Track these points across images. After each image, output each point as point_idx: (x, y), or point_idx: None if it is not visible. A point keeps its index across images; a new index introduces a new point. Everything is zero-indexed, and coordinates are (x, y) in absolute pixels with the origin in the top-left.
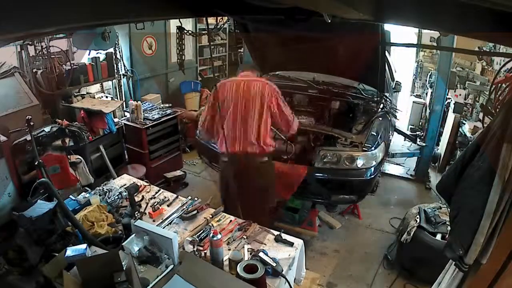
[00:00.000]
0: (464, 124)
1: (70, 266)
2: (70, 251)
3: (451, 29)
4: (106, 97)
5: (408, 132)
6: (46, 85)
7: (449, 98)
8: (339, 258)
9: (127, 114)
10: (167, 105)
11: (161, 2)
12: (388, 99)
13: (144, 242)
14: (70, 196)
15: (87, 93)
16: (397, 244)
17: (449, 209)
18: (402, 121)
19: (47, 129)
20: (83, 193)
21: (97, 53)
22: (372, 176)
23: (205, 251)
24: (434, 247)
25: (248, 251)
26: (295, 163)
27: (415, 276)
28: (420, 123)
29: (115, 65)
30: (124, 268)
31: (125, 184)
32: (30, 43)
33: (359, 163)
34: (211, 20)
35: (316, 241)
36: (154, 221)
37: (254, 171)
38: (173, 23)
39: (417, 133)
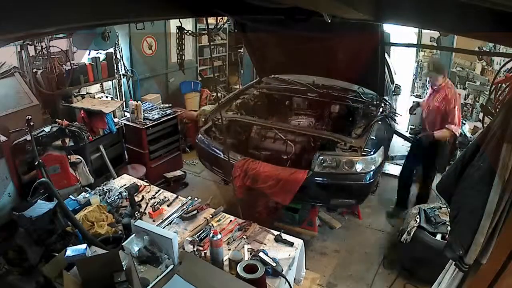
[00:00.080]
0: (464, 124)
1: (70, 266)
2: (70, 251)
3: (451, 29)
4: (106, 97)
5: (408, 134)
6: (46, 85)
7: None
8: (339, 258)
9: (127, 114)
10: (167, 105)
11: (161, 2)
12: (387, 103)
13: (144, 242)
14: (70, 196)
15: (87, 93)
16: (397, 244)
17: (449, 209)
18: (402, 121)
19: (47, 129)
20: (83, 193)
21: (97, 53)
22: (371, 181)
23: (205, 251)
24: (434, 247)
25: (248, 251)
26: (294, 167)
27: (415, 276)
28: (420, 123)
29: (115, 65)
30: (124, 268)
31: (125, 184)
32: (30, 43)
33: (358, 167)
34: (211, 20)
35: (316, 241)
36: (154, 221)
37: None
38: (173, 23)
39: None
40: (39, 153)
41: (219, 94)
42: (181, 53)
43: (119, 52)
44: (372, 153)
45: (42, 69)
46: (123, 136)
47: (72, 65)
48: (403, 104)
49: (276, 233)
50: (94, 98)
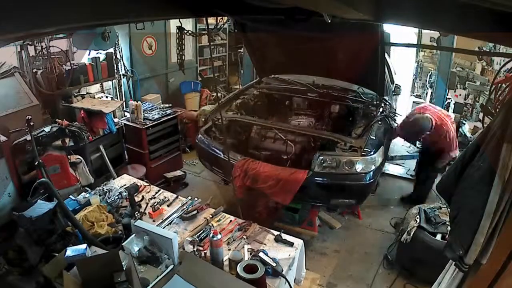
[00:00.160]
0: (464, 124)
1: (70, 266)
2: (70, 251)
3: (451, 29)
4: (106, 97)
5: None
6: (46, 85)
7: (449, 98)
8: (339, 258)
9: (127, 114)
10: (167, 105)
11: (161, 2)
12: (387, 103)
13: (144, 242)
14: (70, 196)
15: (87, 93)
16: (397, 244)
17: (449, 209)
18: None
19: (47, 129)
20: (83, 193)
21: (97, 53)
22: (372, 181)
23: (205, 251)
24: (434, 247)
25: (248, 251)
26: (294, 167)
27: (415, 276)
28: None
29: (115, 65)
30: (124, 268)
31: (125, 184)
32: (30, 43)
33: (358, 167)
34: (211, 20)
35: (316, 241)
36: (154, 221)
37: None
38: (173, 23)
39: None
40: (39, 153)
41: (219, 94)
42: (181, 53)
43: (119, 52)
44: (372, 153)
45: (42, 69)
46: (123, 136)
47: (72, 65)
48: (403, 104)
49: (276, 233)
50: (94, 98)
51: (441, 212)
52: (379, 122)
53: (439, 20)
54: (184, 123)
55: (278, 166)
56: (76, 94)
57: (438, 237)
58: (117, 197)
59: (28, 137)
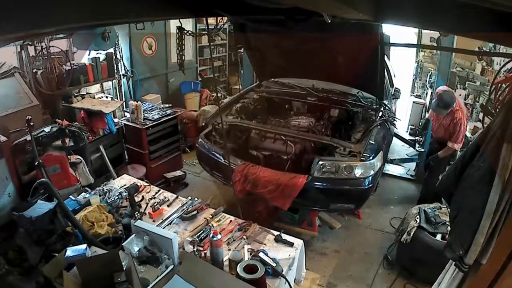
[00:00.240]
0: None
1: (70, 266)
2: (70, 251)
3: (451, 29)
4: (106, 97)
5: (407, 137)
6: (46, 85)
7: None
8: (339, 258)
9: (127, 114)
10: (167, 105)
11: (161, 2)
12: (387, 107)
13: (144, 242)
14: (70, 196)
15: (87, 93)
16: (397, 244)
17: (449, 209)
18: (403, 121)
19: (47, 129)
20: (83, 193)
21: (97, 53)
22: (370, 185)
23: (205, 251)
24: (434, 247)
25: (248, 251)
26: (294, 169)
27: (415, 276)
28: (420, 123)
29: (115, 65)
30: (124, 268)
31: (125, 185)
32: (30, 43)
33: (358, 172)
34: (211, 20)
35: (316, 242)
36: (154, 221)
37: None
38: (173, 23)
39: (416, 138)
40: (39, 153)
41: (219, 95)
42: (181, 53)
43: (119, 52)
44: (371, 158)
45: (42, 69)
46: (123, 136)
47: (72, 65)
48: (403, 105)
49: (276, 233)
50: (94, 98)
51: (441, 212)
52: (378, 127)
53: (439, 20)
54: (184, 123)
55: (277, 169)
56: (76, 94)
57: (438, 237)
58: (117, 197)
59: (28, 137)
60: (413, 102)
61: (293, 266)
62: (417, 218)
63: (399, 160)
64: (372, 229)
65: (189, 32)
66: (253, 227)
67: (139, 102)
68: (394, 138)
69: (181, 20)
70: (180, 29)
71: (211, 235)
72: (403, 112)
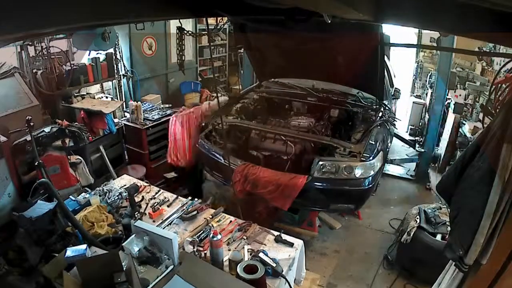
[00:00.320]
0: (464, 124)
1: (70, 266)
2: (70, 252)
3: (451, 29)
4: (106, 97)
5: (407, 137)
6: (46, 85)
7: (449, 99)
8: (339, 258)
9: (127, 115)
10: (167, 105)
11: (161, 2)
12: (387, 107)
13: (144, 242)
14: (70, 196)
15: (87, 93)
16: (397, 245)
17: (449, 210)
18: (402, 121)
19: (47, 129)
20: (83, 194)
21: (97, 53)
22: (370, 186)
23: (205, 252)
24: (434, 248)
25: (248, 251)
26: (294, 169)
27: (415, 276)
28: (420, 123)
29: (115, 66)
30: (124, 268)
31: (125, 185)
32: (30, 43)
33: (357, 172)
34: (211, 20)
35: (316, 242)
36: (154, 221)
37: None
38: (173, 24)
39: (416, 138)
40: (39, 153)
41: (219, 95)
42: (181, 53)
43: (119, 53)
44: (371, 158)
45: (42, 69)
46: (123, 136)
47: (72, 65)
48: (403, 106)
49: (276, 233)
50: (94, 98)
51: (441, 212)
52: (378, 127)
53: (439, 20)
54: None
55: (277, 169)
56: (76, 94)
57: (438, 237)
58: (117, 197)
59: (28, 138)
60: (413, 102)
61: (293, 266)
62: (417, 218)
63: (399, 160)
64: (372, 229)
65: (189, 32)
66: (253, 228)
67: (139, 102)
68: (394, 138)
69: (181, 20)
70: (180, 29)
71: (211, 235)
72: (403, 112)
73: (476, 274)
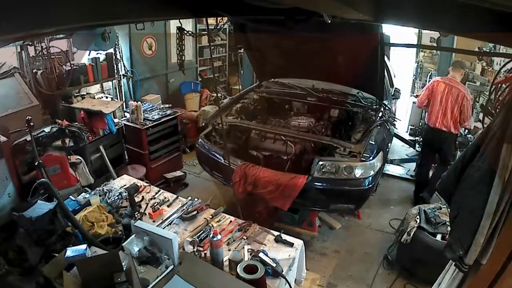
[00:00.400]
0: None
1: (70, 266)
2: (70, 252)
3: (451, 30)
4: (106, 97)
5: (407, 137)
6: (46, 85)
7: None
8: (339, 258)
9: (127, 115)
10: (167, 105)
11: (161, 2)
12: (387, 107)
13: (144, 242)
14: (70, 196)
15: (87, 93)
16: (397, 245)
17: (449, 210)
18: (403, 121)
19: (47, 129)
20: (83, 194)
21: (97, 53)
22: (370, 186)
23: (205, 252)
24: (434, 248)
25: (248, 251)
26: (294, 168)
27: (415, 276)
28: (420, 123)
29: (115, 66)
30: (124, 268)
31: (125, 185)
32: (30, 43)
33: (358, 173)
34: (211, 20)
35: (316, 242)
36: (154, 221)
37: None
38: (173, 24)
39: (416, 138)
40: (39, 153)
41: (219, 95)
42: (181, 53)
43: (119, 53)
44: (371, 158)
45: (42, 69)
46: (123, 136)
47: (72, 65)
48: (403, 106)
49: (276, 233)
50: (94, 98)
51: (441, 212)
52: (378, 127)
53: (439, 20)
54: (184, 124)
55: (277, 169)
56: (76, 94)
57: (438, 237)
58: (117, 197)
59: (28, 138)
60: (413, 102)
61: (293, 266)
62: (417, 218)
63: (399, 160)
64: (372, 229)
65: (189, 32)
66: (253, 228)
67: (139, 103)
68: (394, 138)
69: (181, 20)
70: (180, 29)
71: (211, 235)
72: (403, 112)
73: (476, 274)
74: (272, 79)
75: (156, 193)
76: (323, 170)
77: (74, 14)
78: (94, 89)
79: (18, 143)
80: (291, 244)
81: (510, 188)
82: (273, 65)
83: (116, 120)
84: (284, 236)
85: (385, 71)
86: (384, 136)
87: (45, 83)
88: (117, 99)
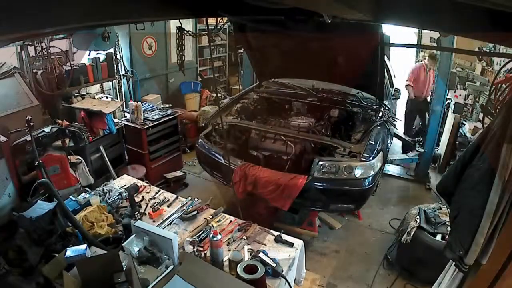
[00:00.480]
0: (464, 124)
1: (70, 266)
2: (70, 252)
3: (451, 30)
4: (106, 97)
5: (407, 138)
6: (46, 85)
7: (449, 99)
8: (339, 258)
9: (127, 115)
10: (167, 105)
11: (161, 2)
12: (386, 107)
13: (144, 242)
14: (70, 196)
15: (87, 93)
16: (397, 245)
17: (449, 210)
18: (402, 121)
19: (47, 129)
20: (83, 194)
21: (97, 53)
22: (370, 186)
23: (205, 252)
24: (434, 248)
25: (248, 251)
26: (294, 168)
27: (415, 276)
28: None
29: (115, 66)
30: (124, 268)
31: (125, 185)
32: (30, 43)
33: (358, 173)
34: (211, 20)
35: (316, 242)
36: (154, 221)
37: None
38: (173, 24)
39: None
40: (39, 153)
41: (219, 95)
42: (181, 53)
43: (119, 53)
44: (371, 158)
45: (42, 69)
46: (123, 136)
47: (72, 65)
48: (403, 106)
49: (276, 233)
50: (94, 98)
51: (441, 212)
52: (378, 127)
53: (439, 20)
54: (184, 124)
55: (277, 169)
56: (76, 94)
57: (438, 237)
58: (117, 197)
59: (28, 138)
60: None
61: (293, 266)
62: (417, 218)
63: (399, 160)
64: (372, 229)
65: (189, 32)
66: (253, 228)
67: (139, 103)
68: (394, 138)
69: (181, 20)
70: (180, 29)
71: (211, 235)
72: (403, 112)
73: (476, 274)
74: (272, 79)
75: (156, 193)
76: (323, 170)
77: (74, 14)
78: (94, 89)
79: (18, 143)
80: (291, 244)
81: (510, 188)
82: (273, 65)
83: (116, 120)
84: (284, 236)
85: (385, 71)
86: (384, 136)
87: (45, 83)
88: (117, 99)
